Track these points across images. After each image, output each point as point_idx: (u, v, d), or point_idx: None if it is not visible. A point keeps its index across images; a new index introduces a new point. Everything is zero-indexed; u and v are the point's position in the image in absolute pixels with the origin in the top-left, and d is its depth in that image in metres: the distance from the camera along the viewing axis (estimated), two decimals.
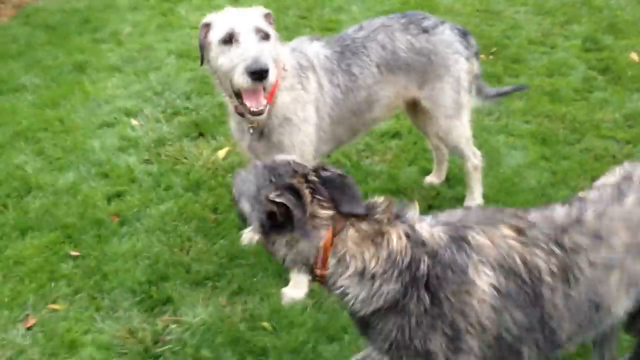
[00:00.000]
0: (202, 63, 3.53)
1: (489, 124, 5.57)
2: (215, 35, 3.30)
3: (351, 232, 2.30)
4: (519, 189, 4.67)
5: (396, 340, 2.32)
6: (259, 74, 3.14)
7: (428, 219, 2.45)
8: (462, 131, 4.20)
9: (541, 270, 2.30)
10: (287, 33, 6.65)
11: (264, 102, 3.33)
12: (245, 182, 2.42)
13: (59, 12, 8.29)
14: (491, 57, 6.88)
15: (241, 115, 3.53)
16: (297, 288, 3.79)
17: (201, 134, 5.47)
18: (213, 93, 5.79)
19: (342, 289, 2.33)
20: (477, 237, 2.32)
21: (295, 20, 7.91)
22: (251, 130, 3.60)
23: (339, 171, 2.47)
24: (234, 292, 3.82)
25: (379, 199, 2.42)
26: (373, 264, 2.28)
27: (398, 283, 2.27)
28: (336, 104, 3.78)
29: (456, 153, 4.41)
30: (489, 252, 2.30)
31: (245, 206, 2.39)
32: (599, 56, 6.71)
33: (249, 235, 4.23)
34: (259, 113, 3.33)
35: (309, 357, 3.37)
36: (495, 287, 2.27)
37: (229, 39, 3.24)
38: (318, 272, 2.34)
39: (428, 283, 2.26)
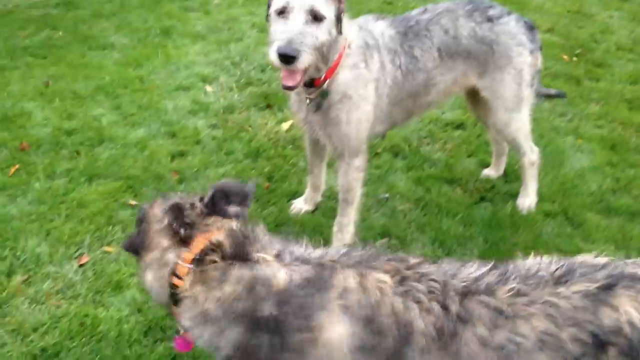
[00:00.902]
0: (267, 19, 3.50)
1: (559, 125, 5.45)
2: (274, 3, 3.34)
3: (193, 270, 2.14)
4: (578, 192, 4.57)
5: None
6: (285, 58, 3.16)
7: (289, 252, 2.16)
8: (520, 125, 4.14)
9: (413, 328, 1.93)
10: None
11: (298, 79, 3.31)
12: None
13: None
14: (575, 59, 6.71)
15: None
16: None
17: (269, 106, 5.61)
18: None
19: (188, 329, 2.18)
20: (346, 280, 2.01)
21: (379, 6, 7.93)
22: (308, 101, 3.66)
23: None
24: None
25: (219, 236, 2.19)
26: (209, 306, 2.09)
27: (239, 328, 2.05)
28: (395, 85, 3.78)
29: (514, 147, 4.35)
30: (355, 298, 1.98)
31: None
32: None
33: (298, 206, 4.35)
34: (289, 88, 3.35)
35: None
36: (352, 338, 1.95)
37: (281, 11, 3.27)
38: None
39: (271, 327, 2.00)
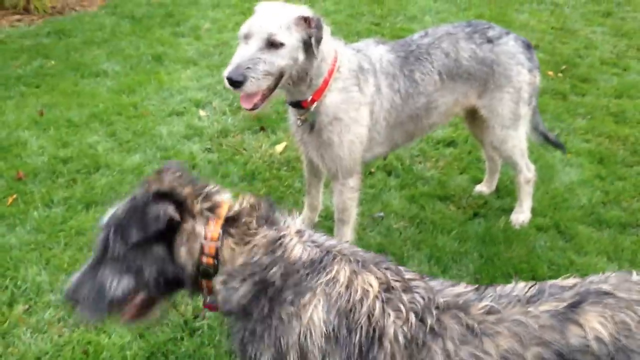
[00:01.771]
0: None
1: None
2: (241, 29, 3.39)
3: (230, 232, 2.22)
4: (569, 206, 4.66)
5: (239, 342, 2.23)
6: (232, 82, 3.25)
7: (309, 233, 2.30)
8: (517, 142, 4.23)
9: (384, 332, 2.03)
10: (359, 39, 6.79)
11: (256, 103, 3.40)
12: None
13: (145, 4, 8.76)
14: (560, 74, 6.83)
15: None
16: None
17: (262, 128, 5.69)
18: None
19: (219, 292, 2.24)
20: (339, 272, 2.14)
21: (367, 27, 8.06)
22: (299, 123, 3.74)
23: None
24: None
25: (249, 199, 2.31)
26: (238, 262, 2.20)
27: (249, 283, 2.17)
28: (394, 109, 3.85)
29: (510, 164, 4.42)
30: (337, 289, 2.10)
31: None
32: None
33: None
34: (249, 110, 3.44)
35: None
36: (324, 324, 2.07)
37: (245, 36, 3.35)
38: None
39: (272, 291, 2.14)
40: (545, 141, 4.58)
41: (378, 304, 2.07)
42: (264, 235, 2.22)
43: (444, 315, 2.03)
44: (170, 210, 2.14)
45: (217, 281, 2.23)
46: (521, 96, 4.09)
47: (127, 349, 3.41)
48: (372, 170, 5.11)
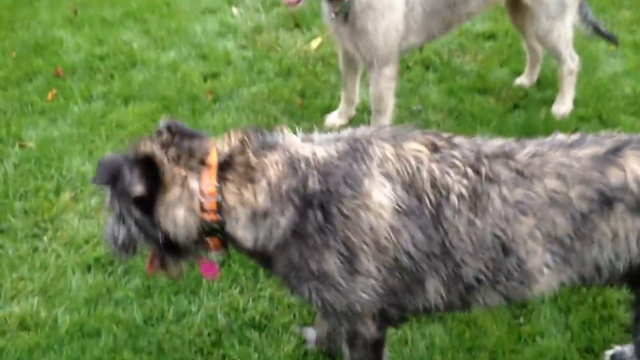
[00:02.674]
0: None
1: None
2: None
3: (228, 178, 2.11)
4: (612, 96, 4.55)
5: (294, 264, 2.13)
6: None
7: (317, 136, 2.21)
8: (562, 32, 4.09)
9: (449, 190, 2.06)
10: None
11: None
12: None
13: None
14: None
15: None
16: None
17: (297, 25, 5.59)
18: None
19: (242, 240, 2.15)
20: (381, 150, 2.11)
21: None
22: (332, 15, 3.67)
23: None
24: None
25: (236, 135, 2.17)
26: (258, 202, 2.08)
27: (290, 210, 2.07)
28: None
29: (554, 54, 4.29)
30: (392, 166, 2.08)
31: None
32: None
33: (332, 120, 4.39)
34: (290, 5, 3.52)
35: None
36: (395, 203, 2.06)
37: None
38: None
39: (320, 199, 2.05)
40: (596, 32, 4.41)
41: (435, 165, 2.09)
42: (273, 162, 2.10)
43: (493, 164, 2.09)
44: (138, 187, 2.06)
45: (239, 228, 2.12)
46: None
47: None
48: (410, 64, 5.02)
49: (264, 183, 2.09)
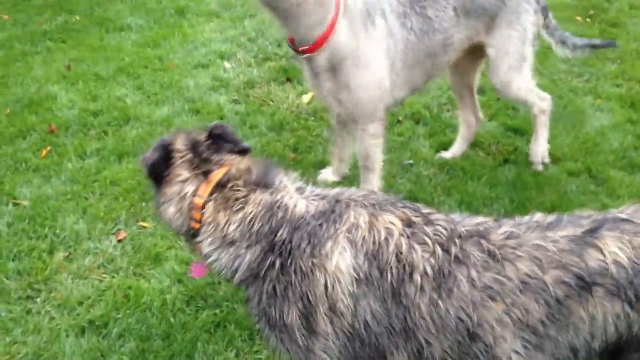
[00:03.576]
0: None
1: (577, 86, 5.50)
2: None
3: (214, 197, 2.26)
4: (601, 150, 4.63)
5: (259, 309, 2.23)
6: None
7: (310, 189, 2.31)
8: (522, 83, 4.16)
9: (414, 267, 2.04)
10: None
11: None
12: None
13: None
14: (588, 20, 6.72)
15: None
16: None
17: (288, 80, 5.68)
18: None
19: (208, 257, 2.30)
20: (356, 217, 2.14)
21: None
22: (306, 70, 3.74)
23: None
24: None
25: (246, 162, 2.33)
26: (229, 229, 2.22)
27: (256, 249, 2.18)
28: (409, 49, 3.78)
29: (520, 103, 4.37)
30: (361, 234, 2.11)
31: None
32: None
33: (326, 177, 4.43)
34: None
35: None
36: (354, 270, 2.08)
37: None
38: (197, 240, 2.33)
39: (282, 250, 2.14)
40: (592, 48, 4.52)
41: (404, 241, 2.08)
42: (258, 201, 2.21)
43: (466, 244, 2.05)
44: (146, 169, 2.32)
45: (205, 245, 2.28)
46: (527, 36, 4.05)
47: (166, 293, 3.49)
48: (400, 118, 5.10)
49: (240, 215, 2.21)
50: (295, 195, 2.24)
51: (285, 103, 5.34)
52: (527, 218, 2.12)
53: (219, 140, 2.40)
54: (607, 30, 6.46)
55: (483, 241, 2.04)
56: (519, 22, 3.99)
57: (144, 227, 4.00)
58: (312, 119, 5.13)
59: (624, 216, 2.06)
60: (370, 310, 2.07)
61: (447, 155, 4.67)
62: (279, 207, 2.19)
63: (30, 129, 4.97)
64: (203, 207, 2.27)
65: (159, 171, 2.33)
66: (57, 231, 3.94)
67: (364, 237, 2.10)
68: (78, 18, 6.95)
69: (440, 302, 2.01)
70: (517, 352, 2.01)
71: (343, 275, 2.08)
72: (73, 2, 7.40)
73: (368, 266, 2.07)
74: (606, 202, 4.10)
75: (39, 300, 3.49)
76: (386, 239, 2.09)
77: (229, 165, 2.32)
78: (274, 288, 2.15)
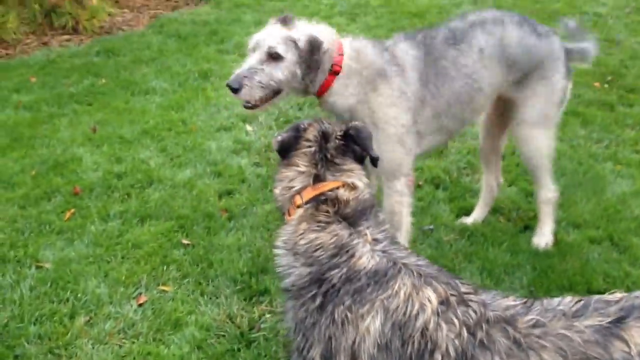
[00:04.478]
0: None
1: (596, 151, 5.51)
2: (249, 42, 3.58)
3: (307, 207, 2.46)
4: (622, 217, 4.61)
5: (291, 325, 2.42)
6: (230, 89, 3.48)
7: (384, 243, 2.39)
8: (542, 144, 4.13)
9: (437, 345, 2.07)
10: None
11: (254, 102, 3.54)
12: None
13: (190, 23, 8.94)
14: (606, 85, 6.78)
15: None
16: None
17: None
18: None
19: (276, 248, 2.50)
20: (399, 286, 2.21)
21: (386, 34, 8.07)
22: None
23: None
24: None
25: (354, 194, 2.50)
26: (300, 241, 2.39)
27: (307, 270, 2.34)
28: (432, 99, 3.76)
29: (533, 174, 4.29)
30: (396, 302, 2.17)
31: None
32: None
33: None
34: (248, 108, 3.63)
35: None
36: (379, 335, 2.15)
37: (252, 49, 3.53)
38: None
39: (327, 290, 2.27)
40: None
41: (433, 318, 2.11)
42: (334, 233, 2.36)
43: (492, 329, 2.06)
44: (275, 144, 2.63)
45: (280, 239, 2.49)
46: (554, 97, 4.04)
47: None
48: (420, 183, 5.12)
49: (313, 236, 2.38)
50: (367, 247, 2.34)
51: None
52: (555, 302, 2.10)
53: (350, 141, 2.60)
54: (625, 96, 6.50)
55: (509, 328, 2.04)
56: (549, 83, 3.99)
57: (165, 291, 4.02)
58: None
59: None
60: None
61: (468, 220, 4.67)
62: (346, 251, 2.31)
63: (54, 190, 5.05)
64: (297, 207, 2.48)
65: (286, 149, 2.60)
66: (79, 295, 3.96)
67: (398, 307, 2.17)
68: (104, 81, 7.13)
69: None
70: None
71: (369, 337, 2.16)
72: (99, 65, 7.60)
73: (391, 335, 2.14)
74: (629, 270, 4.06)
75: None
76: (417, 313, 2.13)
77: (340, 183, 2.51)
78: (306, 318, 2.30)
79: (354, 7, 9.62)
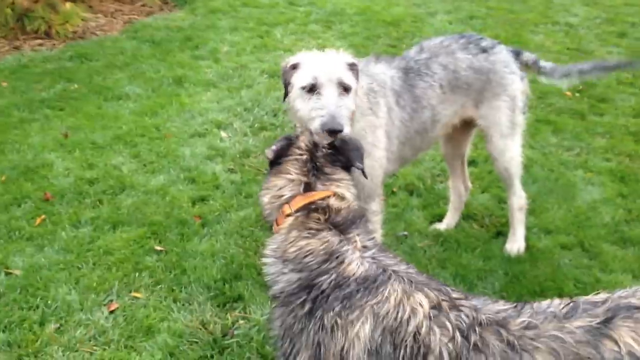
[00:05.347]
0: (284, 99, 3.55)
1: (568, 159, 5.59)
2: (299, 80, 3.32)
3: (297, 215, 2.47)
4: (592, 224, 4.68)
5: (277, 333, 2.41)
6: (332, 132, 3.07)
7: (374, 250, 2.40)
8: (514, 154, 4.23)
9: (429, 349, 2.08)
10: None
11: None
12: None
13: (165, 29, 8.88)
14: (577, 94, 6.88)
15: None
16: None
17: None
18: None
19: (265, 257, 2.50)
20: (390, 291, 2.21)
21: (384, 49, 8.14)
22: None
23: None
24: None
25: (342, 203, 2.53)
26: (290, 249, 2.40)
27: (295, 276, 2.35)
28: (404, 125, 3.85)
29: (506, 180, 4.36)
30: (387, 308, 2.18)
31: None
32: None
33: None
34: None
35: None
36: (369, 341, 2.16)
37: (311, 89, 3.25)
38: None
39: (317, 296, 2.27)
40: (608, 71, 4.68)
41: (425, 323, 2.12)
42: (325, 240, 2.37)
43: (485, 332, 2.07)
44: (269, 153, 2.64)
45: (269, 248, 2.49)
46: (516, 104, 4.13)
47: None
48: (394, 189, 5.15)
49: (303, 243, 2.39)
50: (357, 253, 2.35)
51: None
52: (544, 305, 2.13)
53: (338, 151, 2.66)
54: (596, 105, 6.61)
55: (502, 330, 2.05)
56: (507, 92, 4.07)
57: (137, 298, 3.97)
58: None
59: (636, 302, 2.06)
60: None
61: (441, 226, 4.70)
62: (336, 257, 2.32)
63: (25, 196, 4.97)
64: (287, 216, 2.49)
65: (278, 158, 2.61)
66: (49, 301, 3.90)
67: (388, 312, 2.17)
68: (76, 86, 7.04)
69: None
70: None
71: (359, 343, 2.16)
72: (72, 70, 7.51)
73: (382, 340, 2.14)
74: (599, 276, 4.12)
75: None
76: (408, 318, 2.14)
77: (330, 193, 2.53)
78: (294, 324, 2.29)
79: (329, 15, 9.64)
